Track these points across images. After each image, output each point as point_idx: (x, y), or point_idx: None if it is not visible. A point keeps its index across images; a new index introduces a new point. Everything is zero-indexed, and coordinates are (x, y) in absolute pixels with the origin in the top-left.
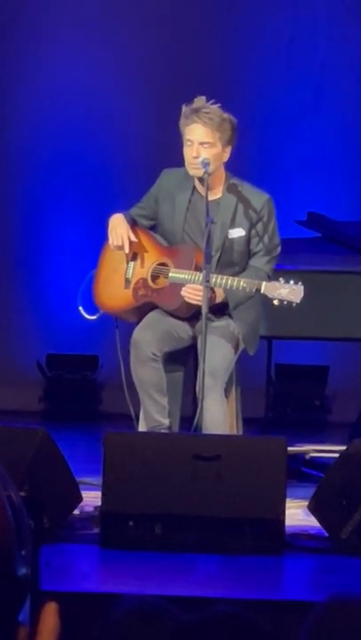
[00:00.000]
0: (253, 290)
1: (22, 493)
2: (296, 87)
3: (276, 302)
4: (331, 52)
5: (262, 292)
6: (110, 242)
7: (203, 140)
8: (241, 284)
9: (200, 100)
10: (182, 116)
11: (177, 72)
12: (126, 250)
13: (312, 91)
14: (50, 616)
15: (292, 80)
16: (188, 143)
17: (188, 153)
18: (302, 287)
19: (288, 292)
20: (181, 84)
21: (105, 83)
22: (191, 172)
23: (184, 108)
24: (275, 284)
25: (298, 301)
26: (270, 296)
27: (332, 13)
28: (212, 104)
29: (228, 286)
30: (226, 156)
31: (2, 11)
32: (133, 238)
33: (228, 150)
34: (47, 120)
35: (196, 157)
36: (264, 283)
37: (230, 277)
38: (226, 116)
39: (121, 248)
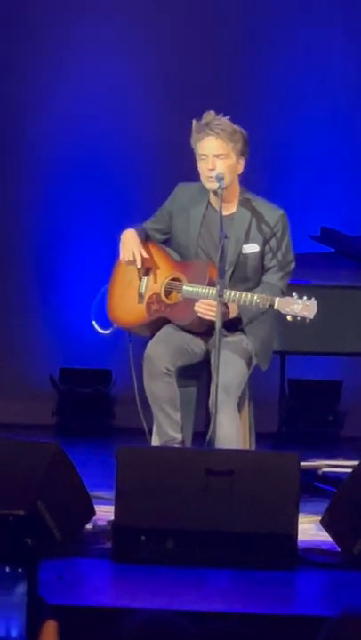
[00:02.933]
0: (267, 305)
1: (21, 512)
2: (311, 102)
3: (289, 318)
4: (347, 69)
5: (275, 307)
6: (122, 257)
7: (217, 152)
8: (254, 299)
9: (209, 114)
10: (193, 132)
11: (194, 86)
12: (138, 265)
13: (327, 105)
14: (49, 635)
15: (307, 94)
16: (203, 157)
17: (204, 166)
18: (316, 303)
19: (301, 307)
20: (198, 97)
21: (122, 96)
22: (208, 185)
23: (195, 124)
24: (288, 299)
25: (311, 317)
26: (283, 312)
27: (349, 26)
28: (221, 117)
29: (242, 302)
30: (240, 169)
31: (21, 23)
32: (145, 254)
33: (242, 162)
34: (63, 135)
35: (212, 170)
36: (277, 298)
37: (243, 293)
38: (236, 127)
39: (132, 263)
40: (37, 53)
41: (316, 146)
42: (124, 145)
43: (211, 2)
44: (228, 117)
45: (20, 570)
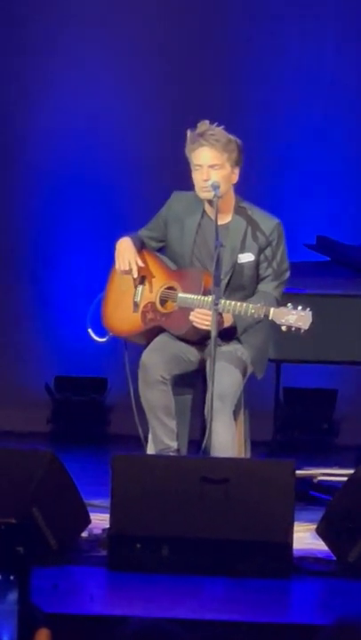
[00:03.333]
0: (262, 315)
1: (12, 520)
2: (305, 111)
3: (284, 328)
4: (339, 75)
5: (270, 318)
6: (117, 267)
7: (212, 162)
8: (250, 309)
9: (204, 124)
10: (188, 142)
11: (186, 94)
12: (134, 275)
13: (322, 113)
14: None
15: (300, 102)
16: (197, 167)
17: (199, 177)
18: (311, 313)
19: (296, 318)
20: (191, 105)
21: (116, 106)
22: (202, 195)
23: (189, 134)
24: (283, 310)
25: (306, 328)
26: (278, 322)
27: (339, 39)
28: (215, 126)
29: (237, 312)
30: (235, 178)
31: (14, 36)
32: (141, 263)
33: (237, 172)
34: (58, 143)
35: (207, 180)
36: (272, 309)
37: (239, 303)
38: (231, 137)
39: (128, 273)
40: (30, 65)
41: (311, 154)
42: (120, 152)
43: (201, 14)
44: (222, 127)
45: (11, 578)
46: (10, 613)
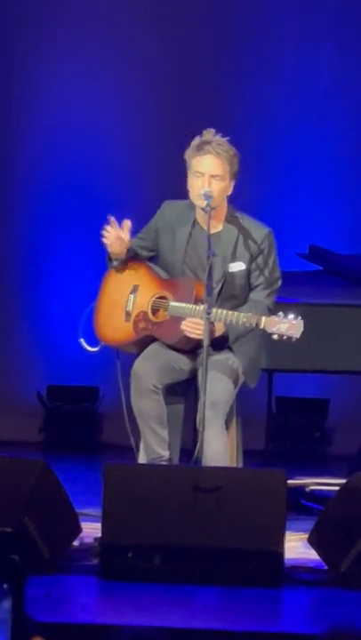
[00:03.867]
0: (253, 324)
1: (8, 529)
2: (298, 119)
3: (275, 337)
4: (334, 85)
5: (262, 326)
6: (110, 250)
7: (214, 172)
8: (241, 318)
9: (209, 132)
10: (191, 148)
11: (181, 103)
12: (126, 238)
13: (315, 123)
14: None
15: (294, 112)
16: (198, 175)
17: (198, 184)
18: (302, 322)
19: (288, 326)
20: (185, 114)
21: (110, 113)
22: (198, 202)
23: (196, 140)
24: (274, 318)
25: (298, 336)
26: (270, 331)
27: (335, 52)
28: (221, 137)
29: (228, 321)
30: (230, 190)
31: (6, 45)
32: (125, 236)
33: (232, 184)
34: (49, 150)
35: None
36: (264, 318)
37: (230, 312)
38: (234, 150)
39: (118, 250)
40: (21, 70)
41: (305, 164)
42: (112, 159)
43: (196, 26)
44: (227, 139)
45: (5, 586)
46: (3, 621)
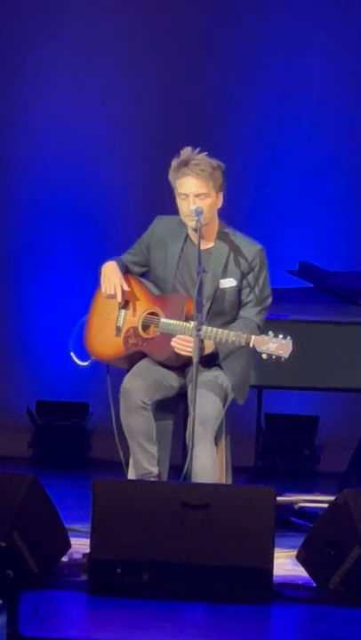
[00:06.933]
0: (243, 343)
1: (2, 544)
2: (288, 137)
3: (264, 356)
4: (322, 106)
5: (251, 345)
6: (103, 290)
7: (198, 191)
8: (231, 336)
9: (186, 151)
10: (172, 169)
11: (172, 121)
12: (119, 299)
13: (305, 138)
14: None
15: (284, 130)
16: (183, 197)
17: (185, 206)
18: (291, 342)
19: (277, 346)
20: (177, 133)
21: (101, 130)
22: (189, 223)
23: (174, 161)
24: (264, 337)
25: (286, 356)
26: (259, 350)
27: (325, 68)
28: (198, 153)
29: (218, 338)
30: (219, 203)
31: (3, 59)
32: (126, 287)
33: (221, 196)
34: (42, 167)
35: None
36: (253, 337)
37: (220, 330)
38: (215, 163)
39: (113, 297)
40: (17, 85)
41: (295, 180)
42: (103, 176)
43: (189, 32)
44: (205, 153)
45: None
46: None
